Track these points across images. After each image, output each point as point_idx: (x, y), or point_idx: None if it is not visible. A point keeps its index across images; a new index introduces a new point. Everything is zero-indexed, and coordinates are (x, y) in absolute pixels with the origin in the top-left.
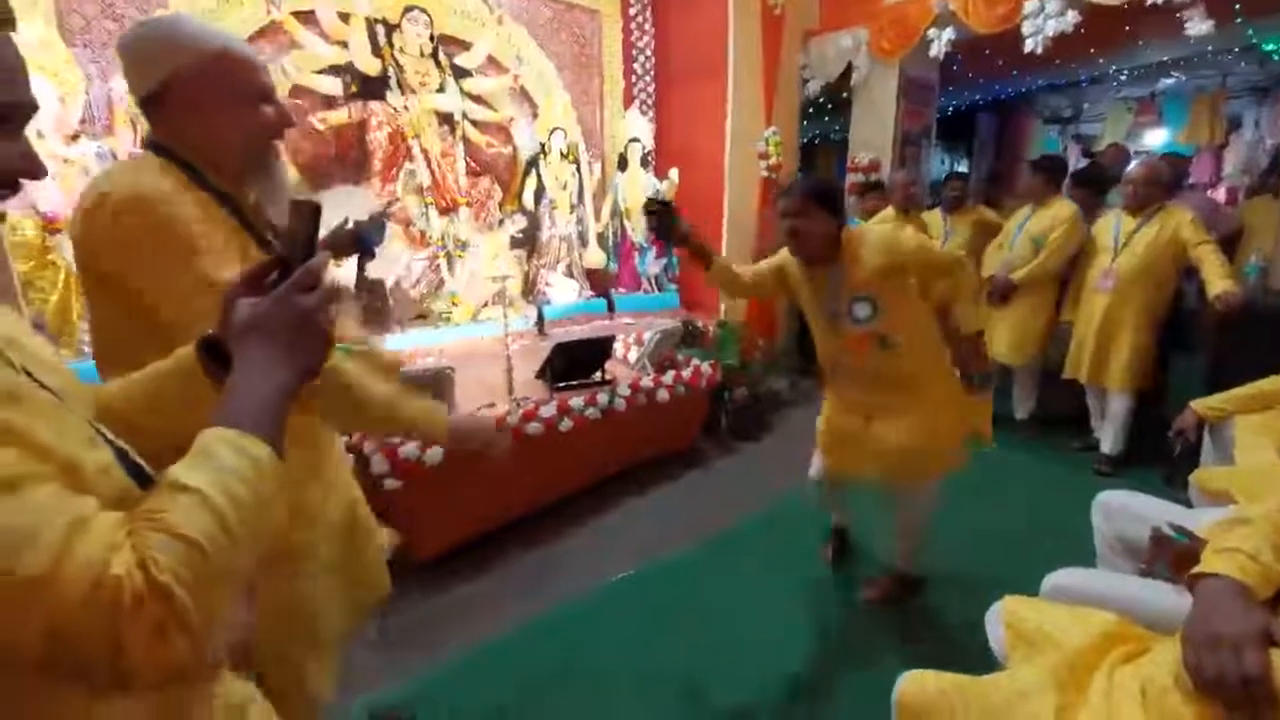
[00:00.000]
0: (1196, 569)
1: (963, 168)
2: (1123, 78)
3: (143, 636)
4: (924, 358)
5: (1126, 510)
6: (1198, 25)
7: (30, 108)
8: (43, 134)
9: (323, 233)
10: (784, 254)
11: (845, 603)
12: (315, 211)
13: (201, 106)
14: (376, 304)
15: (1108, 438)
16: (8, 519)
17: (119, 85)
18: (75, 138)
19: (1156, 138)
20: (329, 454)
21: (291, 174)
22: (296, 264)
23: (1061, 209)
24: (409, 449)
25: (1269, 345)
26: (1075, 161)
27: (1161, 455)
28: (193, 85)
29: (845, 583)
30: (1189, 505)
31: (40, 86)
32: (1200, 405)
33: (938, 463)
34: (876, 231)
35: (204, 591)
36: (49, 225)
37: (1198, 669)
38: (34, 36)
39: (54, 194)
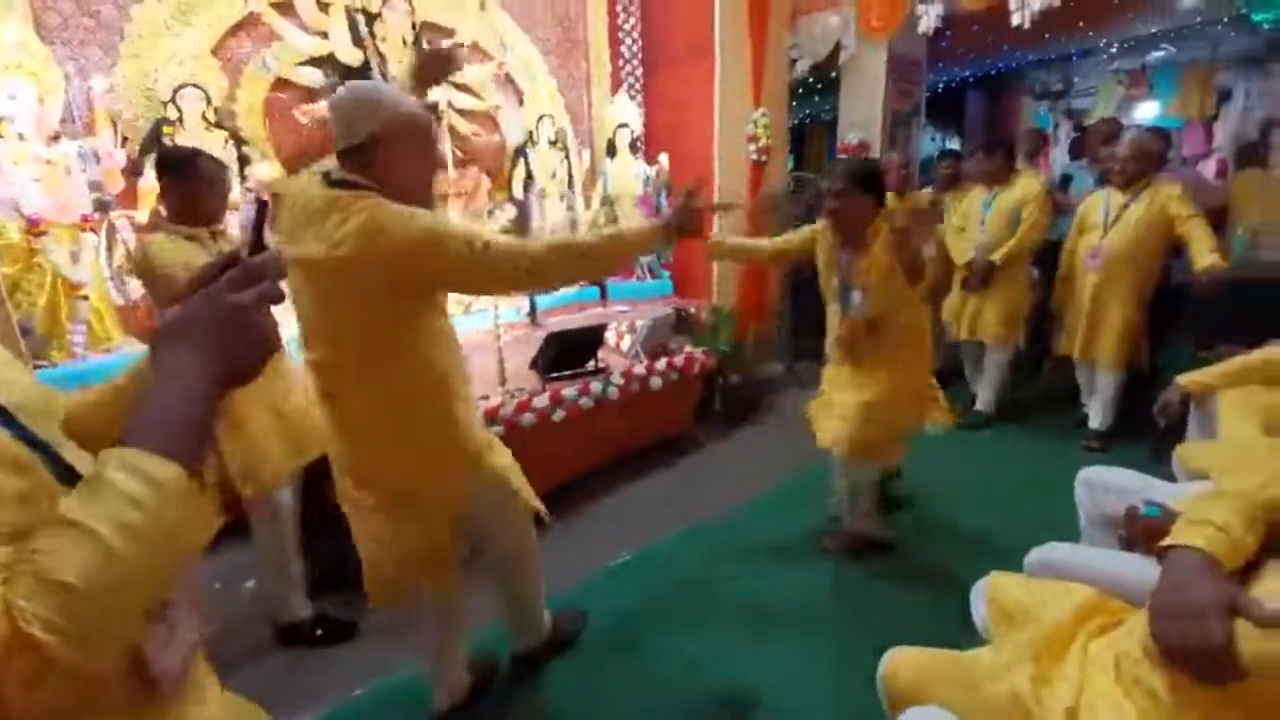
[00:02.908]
0: (1165, 540)
1: (954, 145)
2: (1113, 50)
3: (16, 686)
4: (901, 342)
5: (1108, 486)
6: None
7: None
8: (24, 136)
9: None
10: (821, 222)
11: (837, 583)
12: (261, 206)
13: (401, 151)
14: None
15: (1096, 414)
16: None
17: (98, 83)
18: (56, 138)
19: (1148, 110)
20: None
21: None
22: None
23: (1030, 184)
24: None
25: (1255, 319)
26: (1066, 137)
27: (1150, 431)
28: (393, 137)
29: (838, 564)
30: (1174, 480)
31: (19, 87)
32: (1186, 380)
33: (880, 434)
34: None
35: (85, 630)
36: (33, 229)
37: (1162, 638)
38: (10, 36)
39: (37, 196)
